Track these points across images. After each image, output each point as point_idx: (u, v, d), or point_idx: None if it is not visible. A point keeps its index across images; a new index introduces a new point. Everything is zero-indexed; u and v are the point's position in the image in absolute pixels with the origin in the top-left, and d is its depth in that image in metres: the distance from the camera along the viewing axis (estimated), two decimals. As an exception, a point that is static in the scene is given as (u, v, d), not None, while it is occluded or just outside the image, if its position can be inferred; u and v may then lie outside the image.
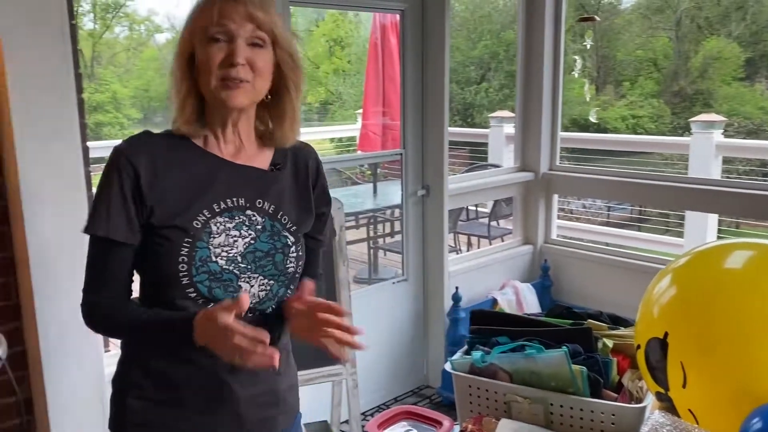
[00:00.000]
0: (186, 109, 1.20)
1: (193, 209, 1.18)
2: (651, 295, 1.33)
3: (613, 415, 1.36)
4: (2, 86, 1.89)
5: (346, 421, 2.84)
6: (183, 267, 1.16)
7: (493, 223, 5.42)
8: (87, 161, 2.13)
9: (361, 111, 6.94)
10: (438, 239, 3.39)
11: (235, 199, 1.22)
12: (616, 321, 1.70)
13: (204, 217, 1.19)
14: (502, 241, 4.92)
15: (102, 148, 4.10)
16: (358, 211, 5.04)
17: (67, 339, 2.07)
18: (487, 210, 5.74)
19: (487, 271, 3.68)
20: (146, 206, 1.17)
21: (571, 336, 1.53)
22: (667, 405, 1.27)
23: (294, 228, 1.28)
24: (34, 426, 2.07)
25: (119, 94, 19.51)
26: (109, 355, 2.29)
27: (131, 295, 1.25)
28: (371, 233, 5.54)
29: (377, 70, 5.07)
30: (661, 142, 8.75)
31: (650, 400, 1.37)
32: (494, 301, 3.46)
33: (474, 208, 5.93)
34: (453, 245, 5.50)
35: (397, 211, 5.47)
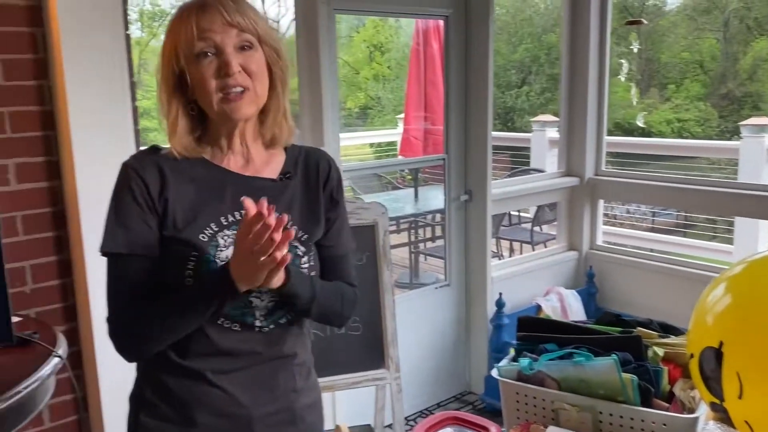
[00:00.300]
0: (178, 130, 1.18)
1: (200, 222, 1.16)
2: (705, 303, 1.31)
3: (665, 425, 1.34)
4: (62, 93, 1.96)
5: (389, 426, 2.85)
6: (189, 281, 1.15)
7: (536, 229, 5.37)
8: (140, 167, 2.19)
9: (401, 116, 6.97)
10: (481, 244, 3.38)
11: (242, 212, 1.11)
12: (667, 329, 1.67)
13: (211, 231, 1.17)
14: (545, 246, 4.88)
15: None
16: (399, 216, 5.05)
17: (120, 340, 2.13)
18: (530, 215, 5.69)
19: (531, 277, 3.65)
20: (158, 216, 1.16)
21: (621, 344, 1.51)
22: (722, 416, 1.24)
23: (305, 237, 1.25)
24: (89, 423, 2.13)
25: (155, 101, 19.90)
26: (159, 356, 2.34)
27: None
28: (412, 238, 5.55)
29: (419, 75, 5.08)
30: (709, 146, 8.55)
31: (703, 411, 1.35)
32: (538, 308, 3.43)
33: (516, 213, 5.89)
34: (495, 251, 5.47)
35: (438, 216, 5.49)
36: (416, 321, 3.26)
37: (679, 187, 3.57)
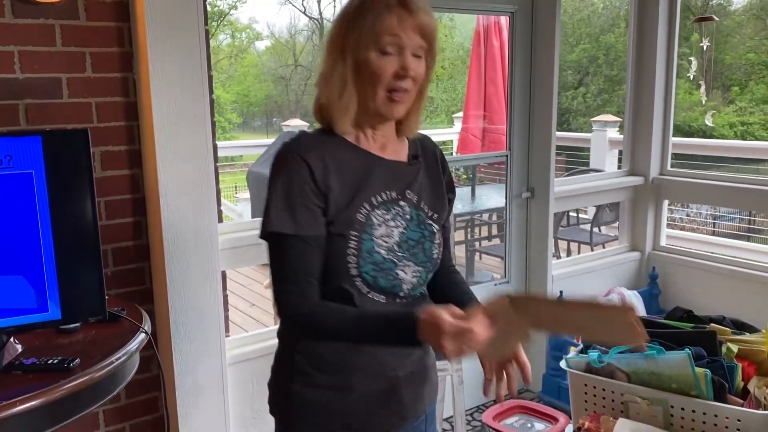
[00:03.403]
0: (350, 112, 1.24)
1: (355, 203, 1.24)
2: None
3: (739, 420, 1.33)
4: (146, 85, 2.06)
5: (449, 418, 2.87)
6: (352, 259, 1.22)
7: (595, 230, 5.30)
8: (216, 158, 2.28)
9: (459, 115, 6.95)
10: (542, 241, 3.37)
11: (388, 192, 1.28)
12: (740, 327, 1.65)
13: (366, 210, 1.24)
14: (603, 248, 4.81)
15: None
16: (456, 214, 5.07)
17: (193, 324, 2.21)
18: (588, 217, 5.62)
19: (591, 277, 3.61)
20: (322, 198, 1.21)
21: (694, 339, 1.51)
22: (802, 411, 1.24)
23: (435, 216, 1.34)
24: (165, 402, 2.23)
25: (221, 99, 20.36)
26: (229, 339, 2.43)
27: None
28: (468, 236, 5.54)
29: (480, 74, 5.08)
30: (775, 149, 8.26)
31: (780, 407, 1.34)
32: (599, 307, 3.40)
33: (575, 214, 5.83)
34: (553, 251, 5.43)
35: (494, 215, 5.47)
36: (475, 317, 3.27)
37: (745, 187, 3.48)
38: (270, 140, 8.11)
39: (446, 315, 1.08)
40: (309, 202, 1.19)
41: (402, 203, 1.30)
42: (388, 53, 1.20)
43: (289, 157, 1.21)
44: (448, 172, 1.43)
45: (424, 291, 1.36)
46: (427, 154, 1.39)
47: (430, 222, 1.33)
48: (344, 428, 1.30)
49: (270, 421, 1.38)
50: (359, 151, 1.28)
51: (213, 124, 2.25)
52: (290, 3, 23.64)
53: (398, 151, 1.34)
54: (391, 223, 1.27)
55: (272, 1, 22.43)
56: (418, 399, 1.38)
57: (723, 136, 15.74)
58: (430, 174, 1.38)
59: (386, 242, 1.26)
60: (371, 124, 1.29)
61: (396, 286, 1.27)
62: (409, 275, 1.29)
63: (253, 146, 9.65)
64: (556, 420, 1.47)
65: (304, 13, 22.80)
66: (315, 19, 22.20)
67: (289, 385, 1.30)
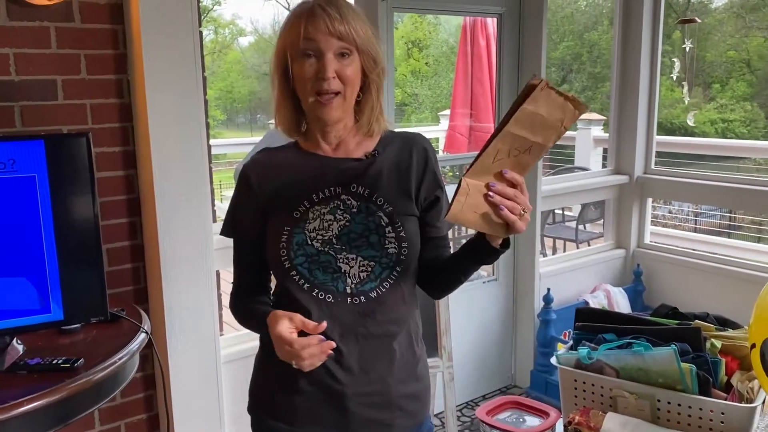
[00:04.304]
0: (282, 113, 1.35)
1: (294, 202, 1.31)
2: (767, 296, 1.35)
3: (723, 413, 1.38)
4: (141, 87, 2.07)
5: (440, 414, 2.92)
6: (283, 252, 1.29)
7: (580, 227, 5.37)
8: (210, 158, 2.30)
9: (444, 113, 7.00)
10: (529, 240, 3.42)
11: (331, 188, 1.32)
12: (724, 323, 1.70)
13: (303, 207, 1.31)
14: (589, 245, 4.88)
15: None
16: (444, 212, 5.09)
17: (188, 323, 2.24)
18: (574, 214, 5.69)
19: (578, 274, 3.68)
20: (259, 205, 1.34)
21: (679, 335, 1.55)
22: (783, 404, 1.29)
23: (389, 209, 1.32)
24: (165, 400, 2.25)
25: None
26: (224, 338, 2.45)
27: (263, 285, 1.42)
28: (456, 234, 5.59)
29: (466, 72, 5.11)
30: (756, 147, 8.40)
31: (761, 401, 1.39)
32: (585, 304, 3.46)
33: (561, 212, 5.89)
34: (540, 248, 5.49)
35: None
36: (463, 314, 3.32)
37: (728, 186, 3.56)
38: (255, 138, 8.10)
39: (282, 323, 1.20)
40: (245, 211, 1.37)
41: (344, 197, 1.32)
42: (308, 57, 1.26)
43: (239, 173, 1.39)
44: (431, 168, 1.39)
45: (383, 291, 1.33)
46: (403, 151, 1.38)
47: (381, 214, 1.32)
48: (289, 424, 1.35)
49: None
50: (306, 154, 1.37)
51: (207, 124, 2.27)
52: (274, -1, 23.56)
53: (358, 148, 1.37)
54: (328, 217, 1.31)
55: (256, -4, 22.32)
56: (372, 425, 1.36)
57: (704, 133, 15.92)
58: (397, 170, 1.36)
59: (322, 235, 1.30)
60: (319, 127, 1.34)
61: (338, 279, 1.30)
62: (355, 269, 1.31)
63: (239, 144, 9.64)
64: (547, 415, 1.52)
65: (288, 9, 22.68)
66: (299, 15, 22.07)
67: (253, 380, 1.44)
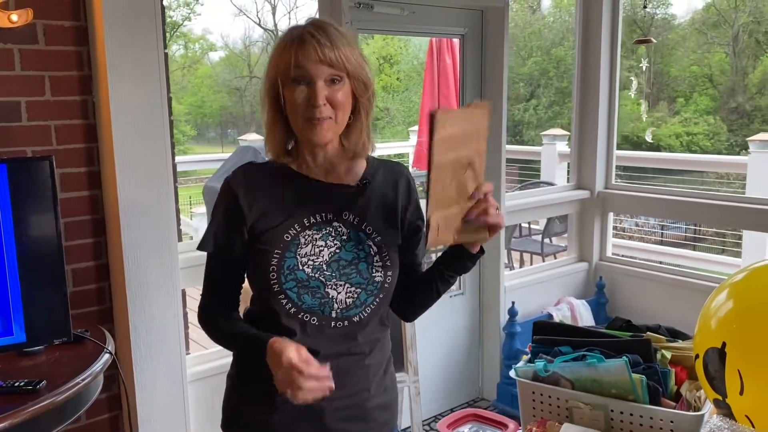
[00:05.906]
0: (274, 137, 1.35)
1: (286, 224, 1.32)
2: (709, 307, 1.41)
3: (672, 422, 1.43)
4: (106, 107, 2.09)
5: (405, 430, 2.94)
6: (273, 275, 1.29)
7: (546, 241, 5.46)
8: (176, 177, 2.31)
9: (414, 128, 7.07)
10: (494, 254, 3.47)
11: (323, 214, 1.34)
12: (674, 334, 1.75)
13: (294, 231, 1.32)
14: (555, 258, 4.97)
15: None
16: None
17: (154, 342, 2.24)
18: (540, 227, 5.78)
19: (542, 287, 3.74)
20: (247, 224, 1.32)
21: (631, 347, 1.60)
22: (725, 411, 1.34)
23: (378, 238, 1.37)
24: (129, 421, 2.24)
25: (174, 111, 19.97)
26: (190, 357, 2.45)
27: (235, 301, 1.40)
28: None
29: (433, 89, 5.19)
30: (718, 161, 8.61)
31: (708, 409, 1.44)
32: (550, 317, 3.52)
33: (527, 225, 5.98)
34: (506, 262, 5.56)
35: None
36: (430, 328, 3.35)
37: (688, 200, 3.65)
38: (225, 154, 8.07)
39: (291, 350, 1.18)
40: (229, 227, 1.34)
41: (336, 224, 1.35)
42: (298, 83, 1.27)
43: (224, 187, 1.36)
44: (414, 199, 1.44)
45: (365, 315, 1.36)
46: (388, 182, 1.42)
47: (370, 243, 1.36)
48: None
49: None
50: (297, 177, 1.37)
51: (172, 144, 2.29)
52: (244, 14, 23.56)
53: (348, 174, 1.39)
54: (320, 243, 1.33)
55: (226, 12, 22.31)
56: None
57: (670, 146, 16.25)
58: (384, 201, 1.40)
59: (313, 261, 1.31)
60: (309, 150, 1.35)
61: (325, 304, 1.32)
62: (342, 295, 1.33)
63: (208, 161, 9.59)
64: (506, 427, 1.56)
65: (259, 24, 22.75)
66: (270, 30, 22.15)
67: (230, 396, 1.41)
